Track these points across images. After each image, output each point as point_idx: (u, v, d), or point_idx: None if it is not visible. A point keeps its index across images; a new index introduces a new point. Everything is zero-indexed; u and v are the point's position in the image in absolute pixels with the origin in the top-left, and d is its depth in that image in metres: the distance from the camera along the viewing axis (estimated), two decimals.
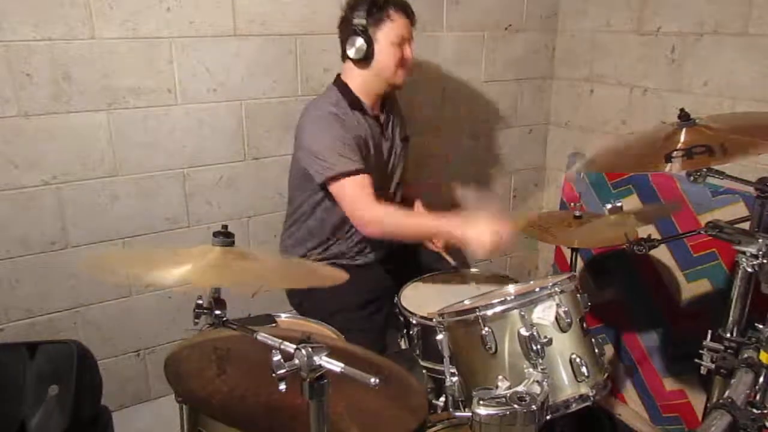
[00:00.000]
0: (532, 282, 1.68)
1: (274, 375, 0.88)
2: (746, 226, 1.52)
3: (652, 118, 2.33)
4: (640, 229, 1.90)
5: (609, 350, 2.46)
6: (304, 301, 2.01)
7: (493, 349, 1.32)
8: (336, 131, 1.81)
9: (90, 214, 1.93)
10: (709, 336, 1.46)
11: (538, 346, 1.29)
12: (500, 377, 1.27)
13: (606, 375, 1.40)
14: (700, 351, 1.46)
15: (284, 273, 1.25)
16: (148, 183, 2.00)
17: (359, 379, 0.86)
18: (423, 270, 1.99)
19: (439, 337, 1.44)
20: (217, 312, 1.03)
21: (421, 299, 1.79)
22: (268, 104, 2.12)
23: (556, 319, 1.33)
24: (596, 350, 1.41)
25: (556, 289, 1.36)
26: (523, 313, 1.32)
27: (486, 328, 1.33)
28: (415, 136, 2.28)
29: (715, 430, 1.01)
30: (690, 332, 1.61)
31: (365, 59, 1.84)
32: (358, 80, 1.90)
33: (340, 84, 1.92)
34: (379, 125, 1.97)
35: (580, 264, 2.50)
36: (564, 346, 1.33)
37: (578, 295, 1.42)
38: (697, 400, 2.13)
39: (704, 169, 1.55)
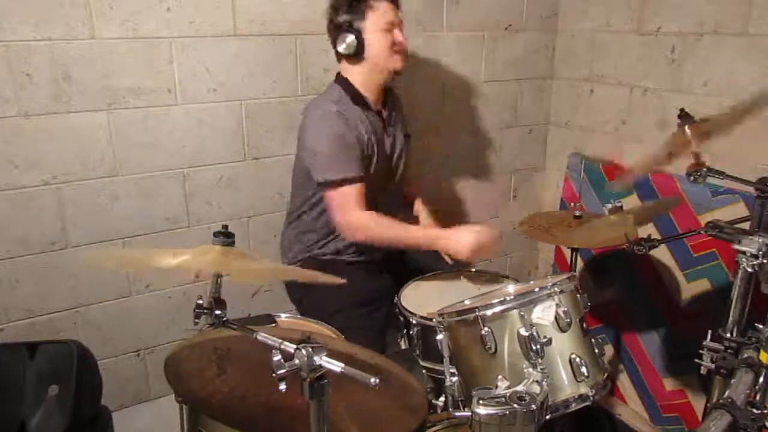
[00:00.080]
0: (531, 282, 1.68)
1: (274, 375, 0.88)
2: (746, 226, 1.52)
3: (652, 118, 2.33)
4: (640, 229, 1.90)
5: (609, 350, 2.46)
6: (303, 297, 2.01)
7: (493, 349, 1.32)
8: (336, 132, 1.82)
9: (90, 214, 1.93)
10: (709, 336, 1.46)
11: (538, 346, 1.29)
12: (500, 377, 1.27)
13: (606, 375, 1.40)
14: (700, 351, 1.46)
15: (284, 271, 1.26)
16: (148, 183, 2.00)
17: (359, 379, 0.86)
18: (423, 270, 1.99)
19: (439, 337, 1.44)
20: (217, 312, 1.03)
21: (421, 299, 1.79)
22: (268, 104, 2.12)
23: (556, 319, 1.33)
24: (596, 350, 1.41)
25: (556, 289, 1.36)
26: (522, 313, 1.32)
27: (486, 328, 1.33)
28: (415, 135, 2.28)
29: (715, 430, 1.01)
30: (690, 332, 1.61)
31: (358, 53, 1.86)
32: (357, 76, 1.90)
33: (341, 81, 1.92)
34: (382, 121, 1.97)
35: (580, 264, 2.50)
36: (563, 346, 1.33)
37: (578, 295, 1.42)
38: (697, 400, 2.13)
39: (704, 169, 1.56)
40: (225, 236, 1.07)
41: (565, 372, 1.32)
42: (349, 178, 1.81)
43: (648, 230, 2.07)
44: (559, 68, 2.73)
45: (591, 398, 1.32)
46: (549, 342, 1.30)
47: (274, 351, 0.90)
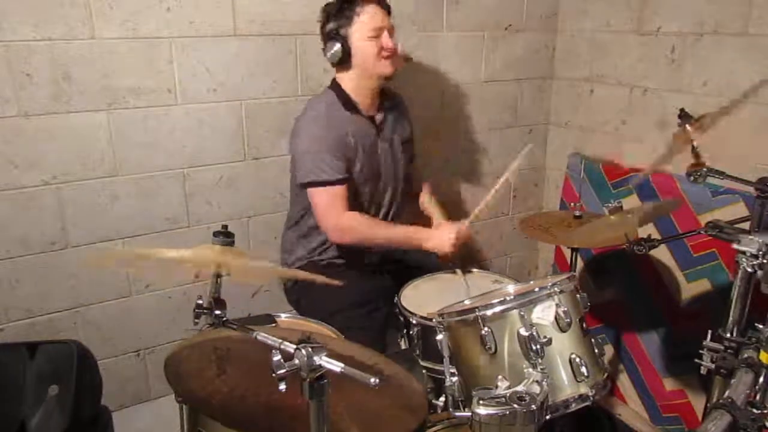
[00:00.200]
0: (531, 282, 1.68)
1: (274, 375, 0.88)
2: (746, 226, 1.52)
3: (652, 118, 2.33)
4: (640, 229, 1.90)
5: (609, 350, 2.46)
6: (302, 298, 2.01)
7: (493, 349, 1.32)
8: (319, 135, 1.84)
9: (90, 214, 1.93)
10: (709, 336, 1.46)
11: (538, 346, 1.29)
12: (500, 377, 1.27)
13: (605, 375, 1.40)
14: (700, 351, 1.46)
15: (282, 269, 1.25)
16: (148, 183, 2.00)
17: (359, 379, 0.86)
18: (423, 270, 1.99)
19: (439, 337, 1.44)
20: (217, 312, 1.03)
21: (421, 299, 1.79)
22: (268, 104, 2.12)
23: (556, 319, 1.33)
24: (596, 350, 1.41)
25: (556, 289, 1.36)
26: (522, 313, 1.32)
27: (486, 328, 1.33)
28: (415, 136, 2.28)
29: (715, 430, 1.01)
30: (690, 332, 1.61)
31: (344, 61, 1.87)
32: (348, 82, 1.92)
33: (334, 86, 1.95)
34: (375, 126, 1.97)
35: (580, 264, 2.50)
36: (563, 346, 1.33)
37: (578, 295, 1.42)
38: (697, 400, 2.13)
39: (704, 169, 1.56)
40: (225, 236, 1.07)
41: (565, 372, 1.32)
42: (331, 180, 1.84)
43: (648, 230, 2.07)
44: (559, 68, 2.73)
45: (591, 398, 1.33)
46: (549, 342, 1.31)
47: (274, 351, 0.90)
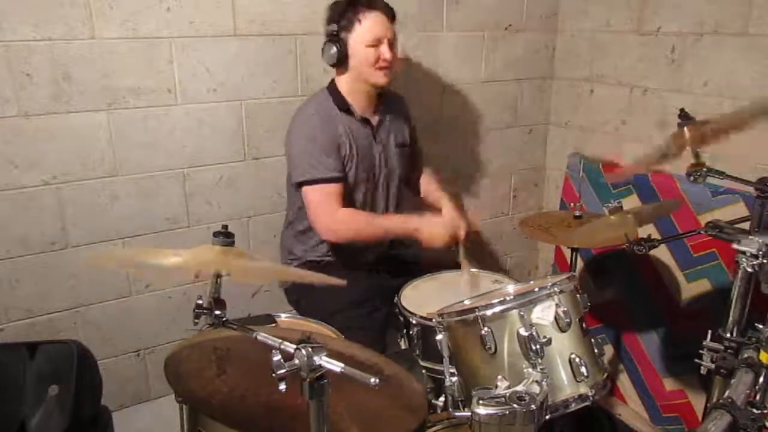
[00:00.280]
0: (531, 282, 1.68)
1: (274, 375, 0.88)
2: (746, 226, 1.52)
3: (652, 118, 2.33)
4: (640, 229, 1.90)
5: (609, 350, 2.46)
6: (302, 298, 2.01)
7: (493, 349, 1.32)
8: (312, 134, 1.85)
9: (90, 214, 1.93)
10: (709, 336, 1.46)
11: (538, 346, 1.29)
12: (500, 377, 1.27)
13: (605, 375, 1.40)
14: (700, 351, 1.46)
15: (284, 271, 1.26)
16: (148, 183, 2.00)
17: (359, 379, 0.86)
18: (423, 270, 1.99)
19: (439, 337, 1.44)
20: (217, 312, 1.03)
21: (421, 299, 1.79)
22: (268, 104, 2.12)
23: (556, 319, 1.33)
24: (596, 350, 1.41)
25: (556, 289, 1.36)
26: (522, 313, 1.32)
27: (485, 328, 1.33)
28: (415, 136, 2.29)
29: (715, 430, 1.01)
30: (690, 332, 1.61)
31: (341, 64, 1.87)
32: (344, 84, 1.93)
33: (331, 87, 1.95)
34: (370, 128, 1.97)
35: (580, 264, 2.50)
36: (563, 346, 1.33)
37: (578, 295, 1.42)
38: (697, 400, 2.13)
39: (704, 169, 1.56)
40: (225, 236, 1.07)
41: (564, 372, 1.32)
42: (324, 178, 1.85)
43: (648, 230, 2.06)
44: (559, 68, 2.73)
45: (591, 398, 1.32)
46: (549, 342, 1.30)
47: (274, 351, 0.90)
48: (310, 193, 1.87)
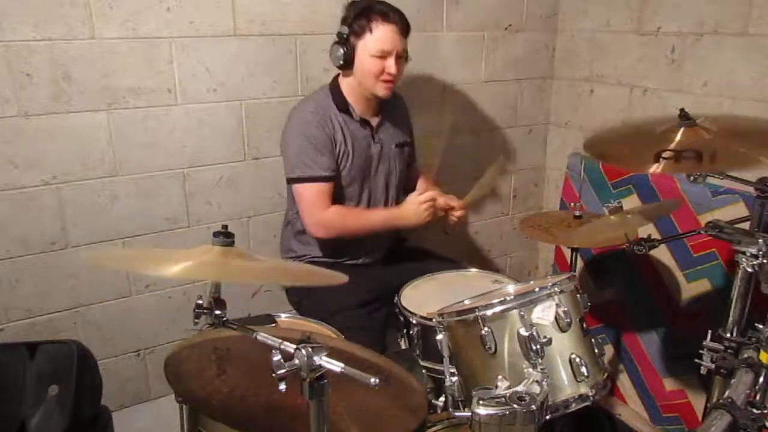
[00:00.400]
0: (531, 282, 1.68)
1: (274, 375, 0.88)
2: (746, 226, 1.52)
3: None
4: (640, 229, 1.90)
5: (609, 350, 2.46)
6: (303, 299, 2.01)
7: (493, 349, 1.32)
8: (307, 132, 1.86)
9: (90, 214, 1.93)
10: (709, 336, 1.46)
11: (538, 346, 1.29)
12: (500, 377, 1.27)
13: (605, 375, 1.40)
14: (700, 351, 1.46)
15: (284, 271, 1.26)
16: (148, 183, 2.00)
17: (359, 379, 0.86)
18: (423, 270, 1.99)
19: (439, 337, 1.44)
20: (217, 312, 1.02)
21: (421, 299, 1.79)
22: (268, 104, 2.12)
23: (556, 319, 1.33)
24: (596, 350, 1.41)
25: (556, 289, 1.36)
26: (522, 313, 1.32)
27: (485, 328, 1.33)
28: (415, 135, 2.28)
29: (715, 430, 1.01)
30: (690, 332, 1.61)
31: (346, 67, 1.87)
32: (346, 85, 1.93)
33: (333, 85, 1.95)
34: (369, 129, 1.98)
35: (580, 264, 2.50)
36: (563, 346, 1.33)
37: (578, 295, 1.42)
38: (697, 400, 2.13)
39: None
40: (225, 236, 1.07)
41: (565, 372, 1.32)
42: (316, 176, 1.86)
43: (648, 230, 2.07)
44: (559, 68, 2.73)
45: (591, 398, 1.32)
46: (549, 342, 1.30)
47: (274, 351, 0.90)
48: (301, 190, 1.89)
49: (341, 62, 1.85)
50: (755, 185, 1.51)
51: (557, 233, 2.03)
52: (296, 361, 0.88)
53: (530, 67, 2.67)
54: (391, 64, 1.82)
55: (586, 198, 2.51)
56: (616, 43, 2.44)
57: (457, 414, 1.42)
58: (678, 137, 1.33)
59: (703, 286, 2.11)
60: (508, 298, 1.35)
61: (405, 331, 1.74)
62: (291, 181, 1.92)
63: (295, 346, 0.89)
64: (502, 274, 2.00)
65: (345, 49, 1.84)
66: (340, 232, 1.92)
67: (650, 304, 2.28)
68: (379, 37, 1.80)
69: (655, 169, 1.28)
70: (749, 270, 1.35)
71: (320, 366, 0.88)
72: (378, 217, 1.99)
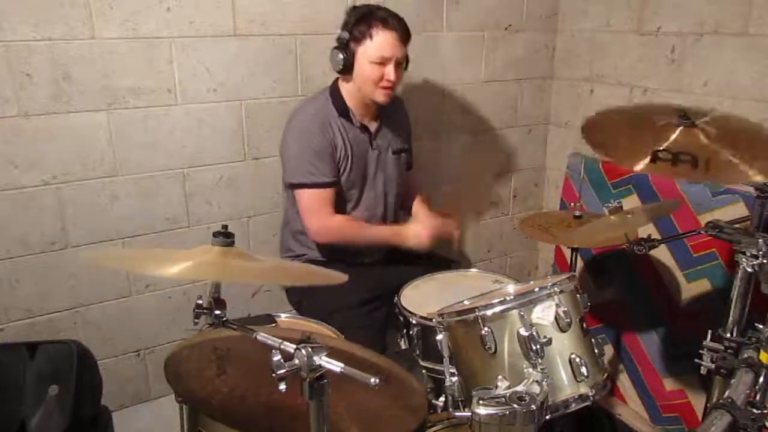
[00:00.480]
0: (531, 282, 1.68)
1: (274, 375, 0.88)
2: (746, 226, 1.52)
3: None
4: (640, 229, 1.90)
5: (609, 350, 2.46)
6: (303, 299, 2.02)
7: (493, 349, 1.32)
8: (309, 139, 1.86)
9: (90, 214, 1.93)
10: (709, 336, 1.46)
11: (538, 346, 1.29)
12: (500, 377, 1.27)
13: (605, 375, 1.40)
14: (700, 351, 1.46)
15: (284, 271, 1.26)
16: (148, 183, 2.00)
17: (359, 379, 0.86)
18: (423, 270, 1.99)
19: (439, 337, 1.44)
20: (217, 312, 1.02)
21: (421, 299, 1.79)
22: (268, 104, 2.12)
23: (556, 319, 1.33)
24: (596, 350, 1.41)
25: (556, 289, 1.36)
26: (522, 313, 1.32)
27: (485, 328, 1.33)
28: (415, 136, 2.29)
29: (715, 430, 1.01)
30: (690, 332, 1.61)
31: (345, 72, 1.87)
32: (346, 90, 1.93)
33: (333, 89, 1.95)
34: (368, 134, 1.98)
35: (580, 264, 2.50)
36: (563, 346, 1.33)
37: (578, 295, 1.42)
38: (697, 400, 2.13)
39: None
40: (225, 236, 1.07)
41: (565, 372, 1.32)
42: (318, 182, 1.87)
43: (648, 230, 2.07)
44: (559, 68, 2.73)
45: (591, 398, 1.33)
46: (549, 342, 1.30)
47: (274, 351, 0.90)
48: (303, 195, 1.90)
49: (341, 67, 1.85)
50: (755, 185, 1.51)
51: (557, 233, 2.03)
52: (296, 361, 0.88)
53: (530, 67, 2.67)
54: (390, 70, 1.82)
55: (586, 198, 2.51)
56: (616, 43, 2.44)
57: (457, 414, 1.42)
58: (674, 136, 1.32)
59: (703, 286, 2.11)
60: (508, 298, 1.35)
61: (405, 331, 1.75)
62: (292, 186, 1.92)
63: (295, 346, 0.89)
64: (502, 274, 2.00)
65: (345, 54, 1.84)
66: (341, 240, 1.95)
67: (650, 304, 2.28)
68: (378, 43, 1.80)
69: (651, 168, 1.28)
70: (749, 270, 1.35)
71: (320, 366, 0.88)
72: (379, 233, 2.01)
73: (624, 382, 2.43)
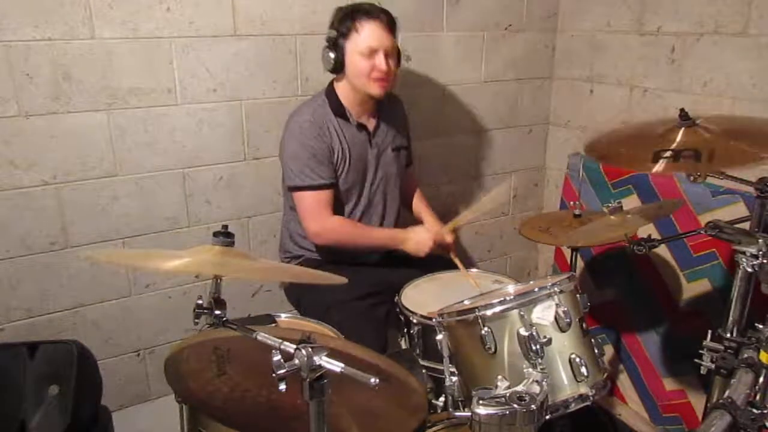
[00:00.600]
0: (531, 282, 1.68)
1: (274, 375, 0.88)
2: (746, 226, 1.52)
3: (652, 119, 2.32)
4: (640, 229, 1.90)
5: (609, 350, 2.46)
6: (302, 297, 2.02)
7: (493, 349, 1.32)
8: (305, 140, 1.86)
9: (90, 214, 1.93)
10: (709, 336, 1.46)
11: (538, 346, 1.29)
12: (500, 377, 1.27)
13: (605, 375, 1.40)
14: (700, 351, 1.46)
15: (283, 271, 1.26)
16: (148, 183, 2.00)
17: (359, 379, 0.86)
18: (423, 270, 1.99)
19: (439, 337, 1.44)
20: (217, 312, 1.03)
21: (421, 299, 1.79)
22: (268, 104, 2.12)
23: (556, 319, 1.33)
24: (596, 350, 1.40)
25: (556, 289, 1.36)
26: (522, 313, 1.32)
27: (485, 328, 1.33)
28: (415, 136, 2.29)
29: (715, 430, 1.01)
30: (690, 332, 1.61)
31: (338, 70, 1.88)
32: (342, 89, 1.94)
33: (329, 91, 1.96)
34: (366, 133, 1.98)
35: (580, 264, 2.50)
36: (563, 346, 1.33)
37: (578, 295, 1.42)
38: (697, 400, 2.13)
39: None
40: (224, 236, 1.07)
41: (564, 372, 1.32)
42: (316, 184, 1.88)
43: (648, 230, 2.07)
44: (559, 68, 2.73)
45: (591, 398, 1.32)
46: (549, 342, 1.30)
47: (274, 351, 0.90)
48: (301, 198, 1.91)
49: (332, 65, 1.86)
50: (755, 185, 1.51)
51: (557, 233, 2.03)
52: (296, 361, 0.88)
53: (530, 67, 2.67)
54: (380, 61, 1.82)
55: (586, 198, 2.51)
56: (616, 43, 2.44)
57: (457, 414, 1.42)
58: (678, 138, 1.33)
59: (703, 286, 2.11)
60: (508, 298, 1.35)
61: (405, 330, 1.75)
62: (290, 189, 1.93)
63: (295, 346, 0.89)
64: (502, 274, 2.00)
65: (335, 52, 1.85)
66: (339, 242, 1.95)
67: (650, 304, 2.28)
68: (366, 34, 1.81)
69: (655, 168, 1.28)
70: (749, 270, 1.35)
71: (320, 366, 0.88)
72: (379, 236, 2.01)
73: (624, 382, 2.43)
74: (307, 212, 1.91)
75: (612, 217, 1.63)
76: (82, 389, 1.60)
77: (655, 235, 1.75)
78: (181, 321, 2.15)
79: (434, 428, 1.45)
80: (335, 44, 1.85)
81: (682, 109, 1.37)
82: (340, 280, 1.16)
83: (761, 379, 1.20)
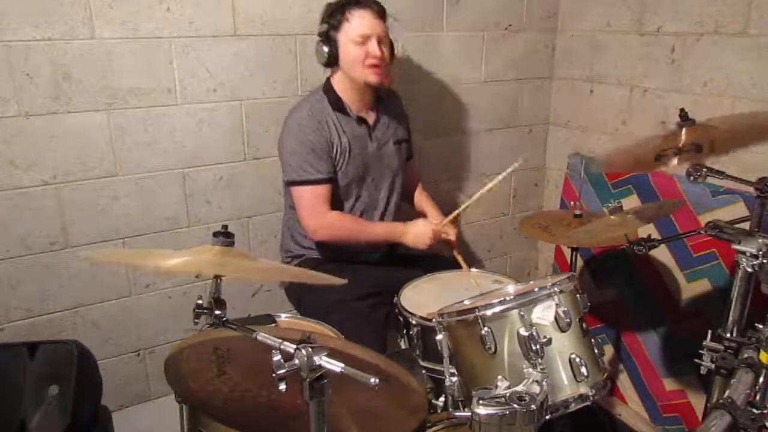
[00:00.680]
0: (531, 282, 1.68)
1: (274, 375, 0.88)
2: (746, 226, 1.52)
3: (652, 118, 2.33)
4: (640, 229, 1.90)
5: (609, 350, 2.46)
6: (302, 297, 2.01)
7: (493, 349, 1.32)
8: (304, 135, 1.87)
9: (90, 214, 1.93)
10: (709, 336, 1.46)
11: (538, 346, 1.29)
12: (500, 377, 1.27)
13: (605, 375, 1.40)
14: (700, 351, 1.46)
15: (283, 270, 1.26)
16: (148, 183, 2.00)
17: (359, 379, 0.86)
18: (423, 270, 1.99)
19: (439, 337, 1.44)
20: (217, 312, 1.03)
21: (421, 299, 1.79)
22: (268, 104, 2.12)
23: (556, 319, 1.33)
24: (596, 350, 1.40)
25: (556, 289, 1.36)
26: (522, 313, 1.32)
27: (485, 328, 1.33)
28: (415, 135, 2.29)
29: (715, 430, 1.01)
30: (690, 332, 1.61)
31: (333, 63, 1.89)
32: (339, 83, 1.94)
33: (327, 86, 1.96)
34: (366, 127, 1.98)
35: (580, 264, 2.50)
36: (563, 346, 1.33)
37: (578, 295, 1.42)
38: (697, 400, 2.13)
39: (704, 169, 1.55)
40: (224, 236, 1.07)
41: (564, 372, 1.32)
42: (314, 179, 1.88)
43: (648, 230, 2.07)
44: (559, 68, 2.73)
45: (591, 398, 1.32)
46: (549, 342, 1.30)
47: (274, 351, 0.90)
48: (299, 193, 1.91)
49: (327, 58, 1.87)
50: (755, 185, 1.51)
51: (557, 233, 2.03)
52: (296, 361, 0.88)
53: (530, 67, 2.67)
54: (374, 47, 1.83)
55: (586, 198, 2.51)
56: (616, 43, 2.44)
57: (457, 414, 1.42)
58: (681, 139, 1.33)
59: (703, 286, 2.11)
60: (508, 298, 1.35)
61: (405, 331, 1.74)
62: (289, 184, 1.93)
63: (295, 346, 0.89)
64: (502, 274, 2.00)
65: (328, 45, 1.86)
66: (339, 237, 1.94)
67: (650, 304, 2.28)
68: (357, 23, 1.82)
69: (658, 167, 1.29)
70: (749, 270, 1.35)
71: (320, 366, 0.88)
72: (378, 230, 2.01)
73: (624, 382, 2.43)
74: (305, 208, 1.91)
75: (612, 217, 1.63)
76: (82, 389, 1.60)
77: (655, 235, 1.75)
78: (181, 321, 2.15)
79: (434, 428, 1.45)
80: (328, 37, 1.86)
81: (682, 109, 1.37)
82: (339, 281, 1.16)
83: (761, 379, 1.19)
